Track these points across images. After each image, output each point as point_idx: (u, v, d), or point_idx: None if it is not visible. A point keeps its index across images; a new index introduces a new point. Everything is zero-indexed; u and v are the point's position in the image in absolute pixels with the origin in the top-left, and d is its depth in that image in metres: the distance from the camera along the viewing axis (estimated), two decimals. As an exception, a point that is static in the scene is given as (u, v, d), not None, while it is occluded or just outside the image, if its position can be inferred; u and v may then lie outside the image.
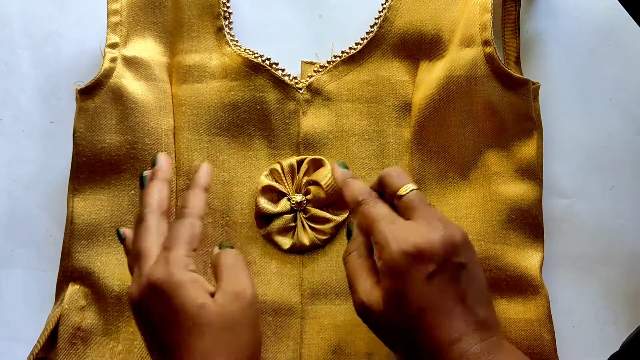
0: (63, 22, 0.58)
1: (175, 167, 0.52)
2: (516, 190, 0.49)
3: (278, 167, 0.51)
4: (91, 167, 0.51)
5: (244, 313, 0.41)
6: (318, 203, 0.51)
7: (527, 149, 0.50)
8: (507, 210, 0.49)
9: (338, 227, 0.51)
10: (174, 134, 0.52)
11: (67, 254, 0.51)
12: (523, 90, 0.50)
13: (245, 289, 0.41)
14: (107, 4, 0.52)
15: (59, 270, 0.52)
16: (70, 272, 0.51)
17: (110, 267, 0.50)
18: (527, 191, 0.49)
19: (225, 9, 0.55)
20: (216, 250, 0.44)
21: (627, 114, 0.54)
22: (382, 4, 0.53)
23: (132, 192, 0.51)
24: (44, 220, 0.56)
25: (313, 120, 0.52)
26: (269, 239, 0.51)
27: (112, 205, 0.51)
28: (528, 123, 0.50)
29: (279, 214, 0.51)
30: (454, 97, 0.50)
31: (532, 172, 0.50)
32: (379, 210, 0.42)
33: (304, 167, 0.51)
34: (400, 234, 0.40)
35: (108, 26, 0.52)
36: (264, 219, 0.51)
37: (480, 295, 0.41)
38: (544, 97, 0.52)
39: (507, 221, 0.49)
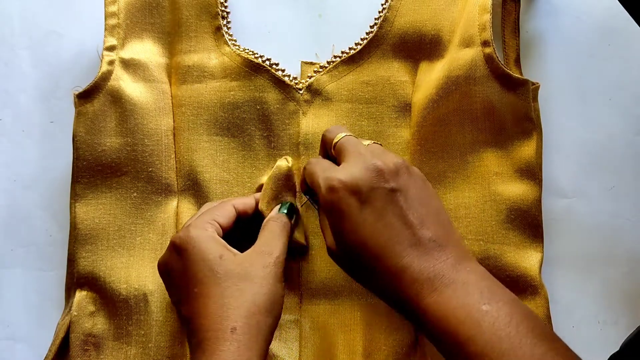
0: (63, 22, 0.58)
1: (176, 167, 0.52)
2: (515, 190, 0.49)
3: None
4: (92, 171, 0.51)
5: (266, 268, 0.43)
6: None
7: (526, 149, 0.50)
8: (507, 210, 0.49)
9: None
10: (174, 134, 0.52)
11: (72, 260, 0.51)
12: (522, 91, 0.49)
13: (272, 250, 0.44)
14: (105, 6, 0.52)
15: (66, 277, 0.52)
16: (76, 279, 0.50)
17: (116, 270, 0.50)
18: (527, 191, 0.49)
19: (223, 8, 0.55)
20: (274, 211, 0.48)
21: (627, 114, 0.54)
22: (382, 4, 0.53)
23: (135, 194, 0.51)
24: (44, 220, 0.56)
25: (313, 121, 0.52)
26: None
27: (115, 208, 0.51)
28: (527, 123, 0.50)
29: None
30: (453, 98, 0.49)
31: (532, 173, 0.50)
32: (316, 164, 0.44)
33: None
34: (328, 175, 0.41)
35: (105, 29, 0.52)
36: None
37: (426, 217, 0.40)
38: (544, 97, 0.52)
39: (507, 221, 0.49)
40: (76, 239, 0.51)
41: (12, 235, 0.56)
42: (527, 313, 0.37)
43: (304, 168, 0.46)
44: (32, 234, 0.56)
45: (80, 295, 0.50)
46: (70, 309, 0.50)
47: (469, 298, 0.37)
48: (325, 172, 0.42)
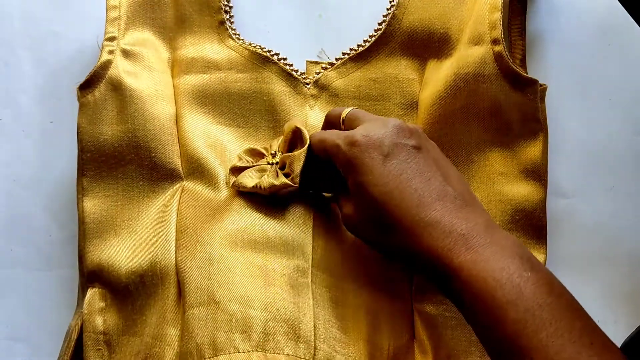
0: (63, 22, 0.58)
1: (180, 152, 0.51)
2: (521, 191, 0.49)
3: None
4: (97, 163, 0.50)
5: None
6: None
7: (532, 150, 0.50)
8: (511, 210, 0.49)
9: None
10: (177, 122, 0.52)
11: (81, 256, 0.50)
12: (530, 91, 0.49)
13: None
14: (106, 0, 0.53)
15: (79, 276, 0.51)
16: (86, 275, 0.49)
17: (120, 256, 0.48)
18: (532, 192, 0.49)
19: (226, 2, 0.55)
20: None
21: (627, 114, 0.54)
22: (390, 2, 0.53)
23: (141, 182, 0.50)
24: (44, 220, 0.56)
25: (320, 115, 0.51)
26: (234, 187, 0.48)
27: (123, 199, 0.50)
28: (534, 124, 0.49)
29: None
30: (461, 95, 0.49)
31: (537, 173, 0.49)
32: (325, 132, 0.44)
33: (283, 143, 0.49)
34: (348, 134, 0.41)
35: (106, 20, 0.52)
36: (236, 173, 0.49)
37: (450, 177, 0.40)
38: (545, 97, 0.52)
39: (511, 222, 0.49)
40: (84, 234, 0.49)
41: (12, 235, 0.56)
42: (564, 288, 0.36)
43: (310, 141, 0.45)
44: (32, 234, 0.55)
45: (91, 293, 0.49)
46: (81, 309, 0.49)
47: (509, 262, 0.35)
48: (341, 133, 0.42)
